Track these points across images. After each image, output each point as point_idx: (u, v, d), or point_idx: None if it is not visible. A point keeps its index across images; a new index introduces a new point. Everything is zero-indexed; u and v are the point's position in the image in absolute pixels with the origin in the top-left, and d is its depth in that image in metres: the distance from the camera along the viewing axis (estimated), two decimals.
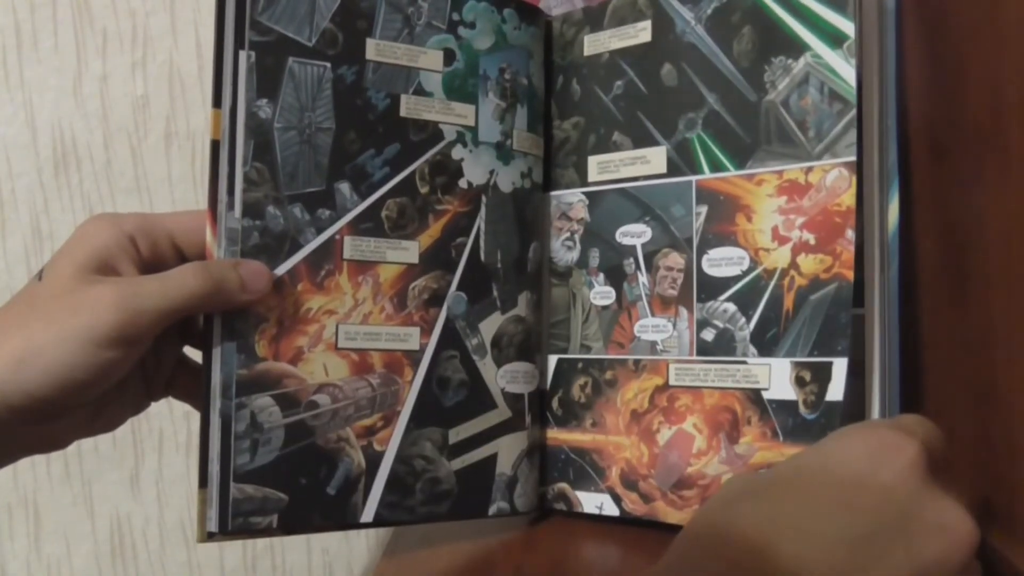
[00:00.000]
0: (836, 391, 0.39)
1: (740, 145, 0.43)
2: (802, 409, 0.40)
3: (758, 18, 0.43)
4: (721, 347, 0.43)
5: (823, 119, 0.41)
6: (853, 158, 0.40)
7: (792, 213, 0.42)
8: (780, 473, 0.31)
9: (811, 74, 0.41)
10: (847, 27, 0.40)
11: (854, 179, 0.40)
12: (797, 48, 0.42)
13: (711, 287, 0.44)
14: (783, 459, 0.33)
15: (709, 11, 0.45)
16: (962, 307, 0.38)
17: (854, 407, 0.40)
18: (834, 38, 0.41)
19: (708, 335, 0.44)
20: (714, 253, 0.44)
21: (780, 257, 0.42)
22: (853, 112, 0.40)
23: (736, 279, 0.43)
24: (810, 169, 0.41)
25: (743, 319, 0.43)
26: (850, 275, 0.39)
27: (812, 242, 0.41)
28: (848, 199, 0.40)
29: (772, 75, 0.42)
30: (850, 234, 0.40)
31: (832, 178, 0.40)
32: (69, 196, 0.72)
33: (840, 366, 0.39)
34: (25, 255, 0.72)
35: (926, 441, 0.29)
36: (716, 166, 0.44)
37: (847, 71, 0.40)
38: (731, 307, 0.43)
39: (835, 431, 0.32)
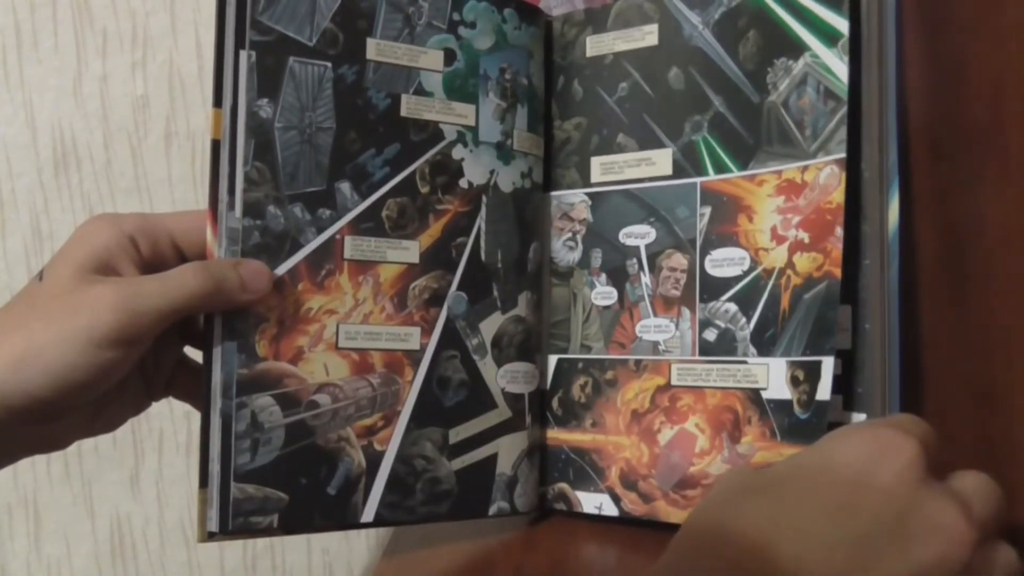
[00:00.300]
0: (825, 390, 0.39)
1: (743, 146, 0.44)
2: (796, 409, 0.40)
3: (763, 21, 0.43)
4: (723, 347, 0.43)
5: (819, 118, 0.41)
6: (844, 155, 0.40)
7: (789, 212, 0.42)
8: (780, 472, 0.31)
9: (809, 74, 0.41)
10: (842, 25, 0.41)
11: (844, 175, 0.40)
12: (798, 49, 0.42)
13: (713, 287, 0.44)
14: (781, 459, 0.33)
15: (717, 15, 0.45)
16: (962, 307, 0.38)
17: (853, 407, 0.40)
18: (830, 37, 0.41)
19: (710, 335, 0.44)
20: (717, 254, 0.44)
21: (778, 257, 0.42)
22: (845, 109, 0.40)
23: (737, 279, 0.43)
24: (806, 168, 0.41)
25: (744, 319, 0.43)
26: (838, 272, 0.39)
27: (806, 240, 0.41)
28: (838, 196, 0.40)
29: (774, 76, 0.43)
30: (839, 231, 0.40)
31: (825, 176, 0.40)
32: (69, 196, 0.72)
33: (828, 365, 0.39)
34: (25, 255, 0.72)
35: (923, 440, 0.29)
36: (720, 168, 0.44)
37: (841, 69, 0.40)
38: (732, 307, 0.43)
39: (834, 431, 0.32)
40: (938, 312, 0.41)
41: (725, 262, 0.43)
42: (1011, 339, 0.34)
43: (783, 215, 0.42)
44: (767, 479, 0.31)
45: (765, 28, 0.43)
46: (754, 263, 0.43)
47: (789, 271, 0.41)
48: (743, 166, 0.43)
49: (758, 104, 0.43)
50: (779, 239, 0.42)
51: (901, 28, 0.42)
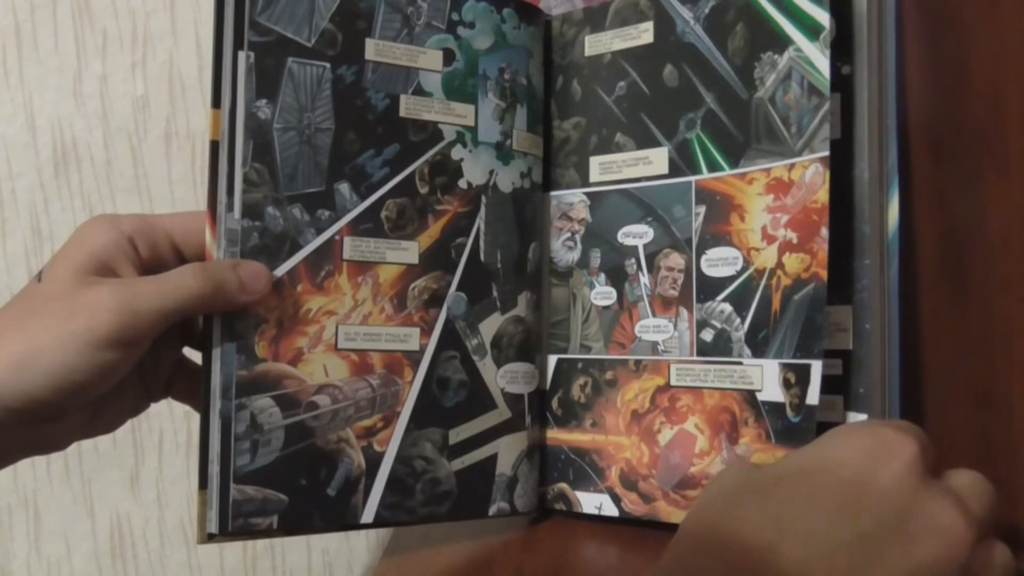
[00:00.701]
0: (814, 395, 0.39)
1: (734, 144, 0.43)
2: (789, 412, 0.40)
3: (749, 15, 0.43)
4: (719, 348, 0.43)
5: (803, 114, 0.41)
6: (827, 153, 0.39)
7: (778, 211, 0.41)
8: (780, 472, 0.31)
9: (794, 68, 0.41)
10: (823, 17, 0.40)
11: (827, 175, 0.39)
12: (782, 43, 0.42)
13: (709, 287, 0.44)
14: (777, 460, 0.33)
15: (707, 10, 0.45)
16: (962, 307, 0.38)
17: (854, 407, 0.40)
18: (813, 30, 0.40)
19: (707, 335, 0.43)
20: (712, 253, 0.44)
21: (769, 257, 0.42)
22: (828, 105, 0.40)
23: (731, 279, 0.43)
24: (792, 166, 0.41)
25: (738, 320, 0.42)
26: (824, 274, 0.39)
27: (795, 241, 0.40)
28: (823, 196, 0.39)
29: (761, 72, 0.42)
30: (824, 232, 0.39)
31: (810, 174, 0.40)
32: (69, 196, 0.72)
33: (817, 368, 0.39)
34: (25, 255, 0.72)
35: (921, 440, 0.29)
36: (713, 166, 0.44)
37: (823, 63, 0.40)
38: (727, 307, 0.43)
39: (832, 430, 0.32)
40: (938, 312, 0.41)
41: (720, 262, 0.43)
42: (1011, 339, 0.34)
43: (772, 214, 0.42)
44: (767, 478, 0.31)
45: (752, 21, 0.43)
46: (747, 263, 0.42)
47: (779, 272, 0.41)
48: (734, 164, 0.43)
49: (747, 100, 0.43)
50: (769, 239, 0.42)
51: (901, 28, 0.42)
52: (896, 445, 0.29)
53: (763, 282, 0.42)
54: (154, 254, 0.40)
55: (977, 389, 0.37)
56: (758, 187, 0.42)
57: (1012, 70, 0.33)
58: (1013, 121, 0.33)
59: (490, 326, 0.46)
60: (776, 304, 0.41)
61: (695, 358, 0.44)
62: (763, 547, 0.28)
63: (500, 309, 0.46)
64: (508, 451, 0.46)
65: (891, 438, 0.29)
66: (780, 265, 0.41)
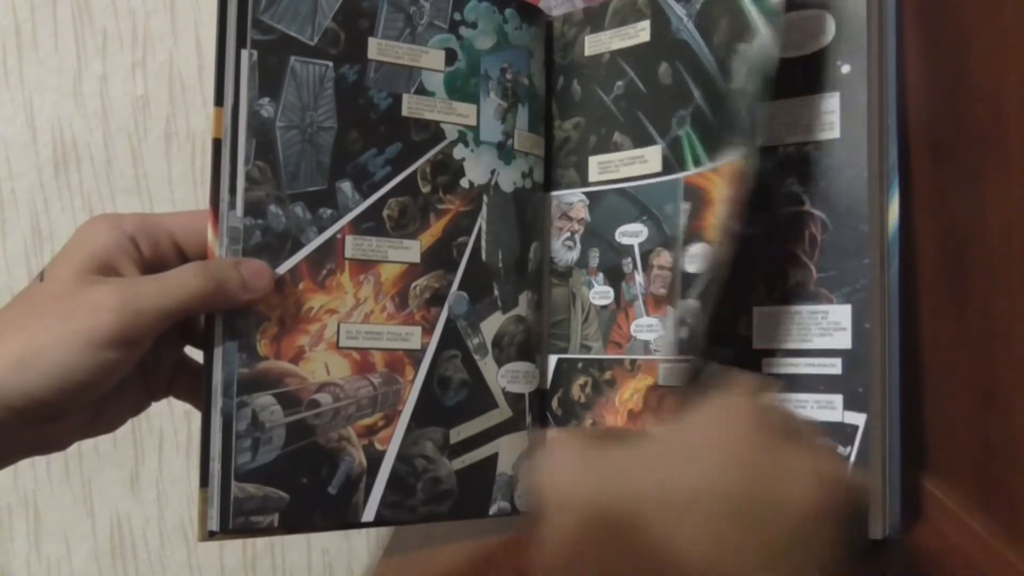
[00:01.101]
0: None
1: (714, 138, 0.43)
2: None
3: (731, 8, 0.43)
4: (691, 346, 0.43)
5: (761, 103, 0.40)
6: (764, 140, 0.39)
7: (734, 203, 0.41)
8: (663, 482, 0.28)
9: (757, 57, 0.41)
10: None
11: (745, 162, 0.39)
12: (751, 32, 0.41)
13: (688, 284, 0.44)
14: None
15: (699, 6, 0.45)
16: (962, 307, 0.38)
17: (854, 407, 0.40)
18: (770, 14, 0.40)
19: (684, 334, 0.43)
20: (692, 250, 0.43)
21: (724, 250, 0.41)
22: (770, 91, 0.39)
23: (701, 276, 0.43)
24: (747, 156, 0.40)
25: (702, 315, 0.42)
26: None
27: (738, 232, 0.40)
28: (746, 182, 0.39)
29: (737, 63, 0.42)
30: (735, 224, 0.39)
31: (750, 163, 0.40)
32: (69, 196, 0.72)
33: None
34: (25, 255, 0.72)
35: (756, 392, 0.29)
36: (698, 161, 0.44)
37: (772, 49, 0.40)
38: (697, 304, 0.43)
39: (683, 419, 0.30)
40: (938, 311, 0.41)
41: (696, 258, 0.43)
42: (1011, 339, 0.34)
43: (730, 206, 0.41)
44: (617, 516, 0.28)
45: (732, 14, 0.43)
46: (712, 258, 0.42)
47: (728, 265, 0.40)
48: (712, 158, 0.43)
49: (725, 93, 0.43)
50: (726, 232, 0.41)
51: (901, 28, 0.42)
52: (738, 412, 0.28)
53: (716, 276, 0.41)
54: (156, 253, 0.40)
55: (977, 389, 0.37)
56: (726, 180, 0.42)
57: (1012, 70, 0.33)
58: (1013, 121, 0.33)
59: (491, 325, 0.46)
60: (724, 299, 0.41)
61: (676, 356, 0.44)
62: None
63: (501, 308, 0.46)
64: (509, 450, 0.46)
65: (733, 407, 0.29)
66: (728, 258, 0.40)
